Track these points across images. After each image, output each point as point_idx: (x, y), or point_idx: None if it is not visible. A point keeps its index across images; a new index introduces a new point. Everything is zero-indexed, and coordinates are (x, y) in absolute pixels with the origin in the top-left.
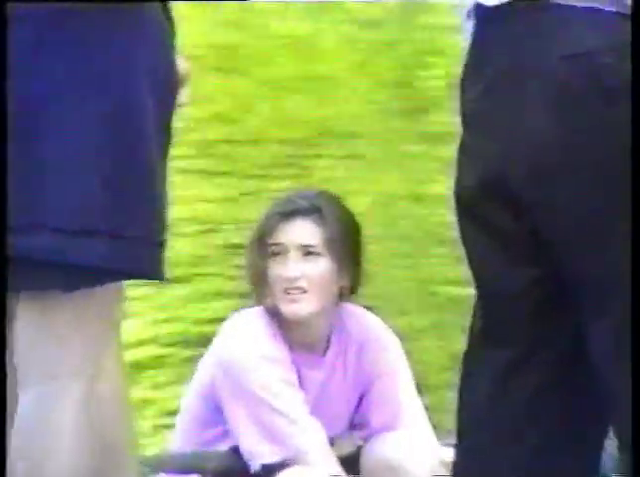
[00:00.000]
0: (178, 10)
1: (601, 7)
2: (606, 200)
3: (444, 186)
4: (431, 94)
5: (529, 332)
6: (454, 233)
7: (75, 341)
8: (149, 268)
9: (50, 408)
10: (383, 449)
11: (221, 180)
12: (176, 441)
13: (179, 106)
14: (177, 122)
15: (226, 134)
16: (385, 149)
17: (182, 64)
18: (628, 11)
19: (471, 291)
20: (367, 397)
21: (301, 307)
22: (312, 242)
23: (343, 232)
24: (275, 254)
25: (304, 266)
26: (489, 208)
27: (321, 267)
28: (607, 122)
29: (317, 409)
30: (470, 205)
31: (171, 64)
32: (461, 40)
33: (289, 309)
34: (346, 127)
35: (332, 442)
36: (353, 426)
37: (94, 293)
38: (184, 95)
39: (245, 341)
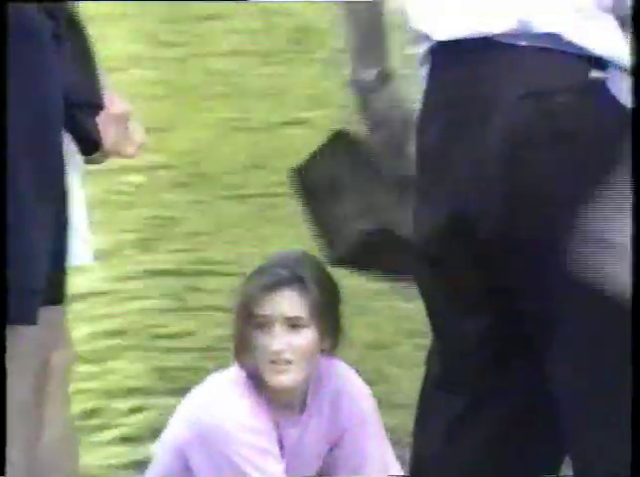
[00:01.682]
0: None
1: (558, 48)
2: (560, 237)
3: None
4: None
5: (484, 382)
6: None
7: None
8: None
9: None
10: None
11: None
12: None
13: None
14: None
15: None
16: None
17: (117, 103)
18: (590, 51)
19: None
20: (337, 446)
21: (287, 378)
22: (297, 314)
23: (325, 299)
24: (261, 325)
25: (290, 338)
26: (446, 253)
27: (307, 338)
28: (560, 163)
29: (290, 462)
30: (427, 251)
31: (49, 96)
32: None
33: (275, 379)
34: None
35: None
36: (320, 471)
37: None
38: (137, 131)
39: (227, 409)
